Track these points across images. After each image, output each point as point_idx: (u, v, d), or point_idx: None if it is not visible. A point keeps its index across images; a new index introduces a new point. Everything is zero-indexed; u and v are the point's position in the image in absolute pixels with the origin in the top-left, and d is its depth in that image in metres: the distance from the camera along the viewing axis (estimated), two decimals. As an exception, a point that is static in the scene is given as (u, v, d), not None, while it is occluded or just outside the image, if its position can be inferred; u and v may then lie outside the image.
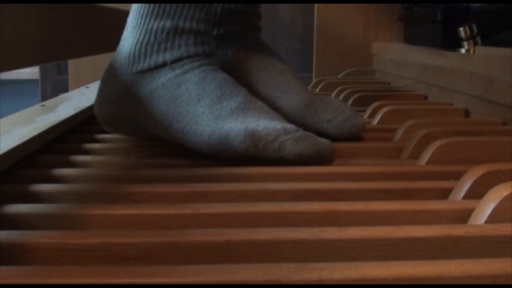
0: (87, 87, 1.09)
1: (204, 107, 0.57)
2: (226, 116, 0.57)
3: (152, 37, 0.59)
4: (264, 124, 0.56)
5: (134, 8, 0.61)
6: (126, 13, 0.63)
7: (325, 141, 0.58)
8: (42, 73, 2.19)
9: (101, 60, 1.56)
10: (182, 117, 0.57)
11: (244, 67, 0.71)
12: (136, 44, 0.60)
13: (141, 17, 0.60)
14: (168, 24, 0.59)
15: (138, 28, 0.60)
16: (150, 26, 0.59)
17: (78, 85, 1.54)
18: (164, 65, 0.59)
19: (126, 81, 0.61)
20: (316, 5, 1.46)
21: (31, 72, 3.56)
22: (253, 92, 0.69)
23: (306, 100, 0.68)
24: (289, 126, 0.57)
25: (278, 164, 0.55)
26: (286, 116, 0.67)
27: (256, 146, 0.55)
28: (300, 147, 0.56)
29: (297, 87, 0.69)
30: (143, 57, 0.60)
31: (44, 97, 2.14)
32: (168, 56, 0.59)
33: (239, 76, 0.70)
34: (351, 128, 0.67)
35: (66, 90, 1.73)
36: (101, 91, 0.64)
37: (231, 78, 0.61)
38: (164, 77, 0.59)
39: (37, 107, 0.82)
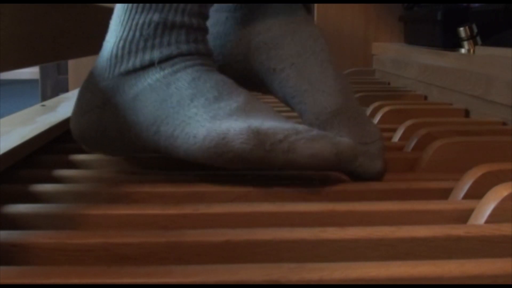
0: (87, 87, 1.09)
1: (198, 107, 0.48)
2: (224, 116, 0.48)
3: (138, 33, 0.51)
4: (270, 124, 0.47)
5: (118, 5, 0.53)
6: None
7: (346, 141, 0.48)
8: (42, 73, 2.19)
9: (101, 60, 1.56)
10: (172, 119, 0.48)
11: (279, 48, 0.59)
12: (119, 42, 0.51)
13: (125, 13, 0.52)
14: (156, 17, 0.50)
15: (122, 24, 0.52)
16: (135, 21, 0.51)
17: (78, 85, 1.53)
18: (151, 64, 0.51)
19: (107, 86, 0.52)
20: (316, 5, 1.46)
21: (31, 72, 3.56)
22: (282, 78, 0.58)
23: (338, 105, 0.54)
24: (300, 126, 0.48)
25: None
26: (306, 116, 0.56)
27: (262, 146, 0.46)
28: (315, 148, 0.46)
29: (332, 87, 0.56)
30: (127, 56, 0.51)
31: (44, 97, 2.15)
32: (156, 54, 0.50)
33: (270, 58, 0.59)
34: (364, 174, 0.53)
35: (66, 90, 1.73)
36: (78, 103, 0.55)
37: (230, 79, 0.52)
38: (151, 78, 0.50)
39: (37, 107, 0.82)
